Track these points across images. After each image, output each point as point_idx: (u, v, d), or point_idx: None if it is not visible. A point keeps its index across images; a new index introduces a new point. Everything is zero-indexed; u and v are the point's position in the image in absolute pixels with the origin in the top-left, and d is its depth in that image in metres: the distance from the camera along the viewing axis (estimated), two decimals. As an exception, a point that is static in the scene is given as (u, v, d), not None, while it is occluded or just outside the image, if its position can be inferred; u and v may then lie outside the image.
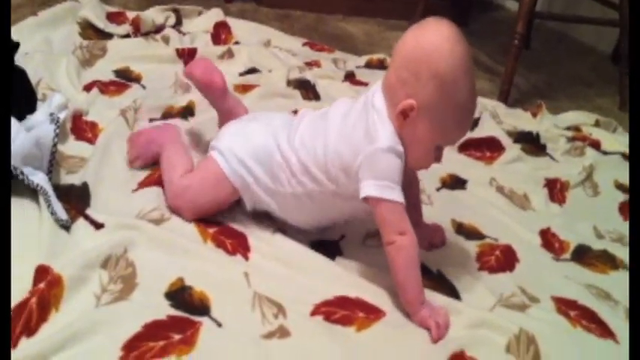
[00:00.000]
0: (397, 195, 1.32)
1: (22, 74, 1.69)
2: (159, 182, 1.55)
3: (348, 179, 1.36)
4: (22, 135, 1.48)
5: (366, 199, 1.34)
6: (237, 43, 2.47)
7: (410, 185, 1.45)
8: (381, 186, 1.32)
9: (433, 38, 1.29)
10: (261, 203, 1.50)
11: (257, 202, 1.50)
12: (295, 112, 1.80)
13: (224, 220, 1.51)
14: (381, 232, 1.36)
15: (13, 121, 1.51)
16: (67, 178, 1.51)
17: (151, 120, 1.82)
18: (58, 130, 1.50)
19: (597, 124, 2.39)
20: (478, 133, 2.12)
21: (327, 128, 1.40)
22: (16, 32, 2.07)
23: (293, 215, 1.50)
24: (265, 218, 1.53)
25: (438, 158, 1.40)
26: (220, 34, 2.50)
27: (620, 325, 1.45)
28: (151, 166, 1.61)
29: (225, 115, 1.65)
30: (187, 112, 1.91)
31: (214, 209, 1.50)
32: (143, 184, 1.56)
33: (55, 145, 1.48)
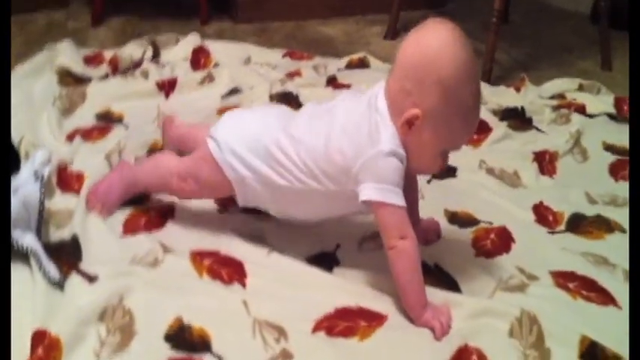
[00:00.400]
0: (399, 199, 1.32)
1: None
2: (147, 227, 1.57)
3: (347, 180, 1.36)
4: (8, 198, 1.49)
5: (366, 203, 1.34)
6: (217, 65, 2.48)
7: (409, 186, 1.44)
8: (382, 189, 1.32)
9: (434, 43, 1.28)
10: (255, 199, 1.51)
11: (251, 197, 1.50)
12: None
13: (220, 246, 1.52)
14: (382, 237, 1.36)
15: (-2, 186, 1.53)
16: (57, 234, 1.51)
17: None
18: (43, 189, 1.50)
19: (581, 88, 2.40)
20: (464, 118, 2.12)
21: (331, 126, 1.38)
22: (-5, 92, 2.08)
23: (289, 210, 1.51)
24: (260, 239, 1.54)
25: (443, 163, 1.40)
26: (199, 59, 2.50)
27: (620, 289, 1.46)
28: (128, 206, 1.63)
29: None
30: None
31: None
32: (131, 230, 1.57)
33: (42, 203, 1.48)
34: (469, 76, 1.30)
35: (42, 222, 1.48)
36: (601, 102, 2.29)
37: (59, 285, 1.35)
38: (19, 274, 1.38)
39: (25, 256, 1.40)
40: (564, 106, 2.27)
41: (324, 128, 1.39)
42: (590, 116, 2.23)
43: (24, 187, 1.51)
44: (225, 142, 1.46)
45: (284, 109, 1.55)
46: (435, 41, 1.28)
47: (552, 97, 2.36)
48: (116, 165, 1.71)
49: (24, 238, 1.41)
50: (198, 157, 1.52)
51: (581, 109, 2.26)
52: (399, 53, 1.33)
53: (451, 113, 1.30)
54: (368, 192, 1.32)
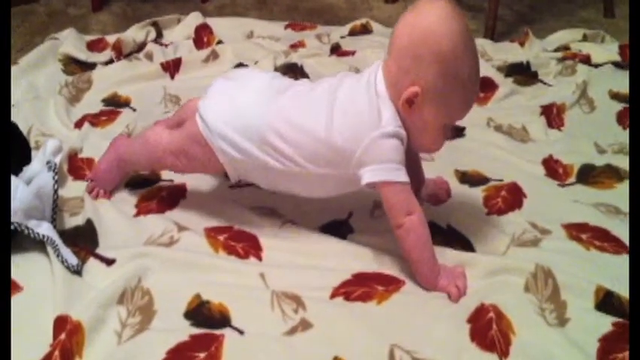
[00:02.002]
0: (401, 176, 1.33)
1: (13, 128, 1.72)
2: (160, 208, 1.59)
3: (348, 163, 1.36)
4: (22, 188, 1.50)
5: (369, 185, 1.34)
6: (220, 42, 2.47)
7: (412, 162, 1.45)
8: (385, 169, 1.33)
9: (429, 19, 1.28)
10: (248, 177, 1.50)
11: (243, 176, 1.50)
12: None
13: (232, 223, 1.53)
14: (388, 216, 1.37)
15: (12, 177, 1.54)
16: (71, 221, 1.53)
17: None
18: (56, 177, 1.51)
19: (585, 38, 2.40)
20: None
21: (330, 108, 1.37)
22: (1, 85, 2.09)
23: (285, 189, 1.49)
24: (272, 212, 1.56)
25: (446, 137, 1.41)
26: (202, 37, 2.50)
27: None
28: (140, 188, 1.65)
29: None
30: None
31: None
32: (144, 211, 1.58)
33: (55, 192, 1.50)
34: (466, 48, 1.30)
35: (57, 210, 1.50)
36: (606, 50, 2.29)
37: (77, 271, 1.37)
38: (37, 263, 1.40)
39: (41, 245, 1.42)
40: (569, 58, 2.27)
41: (324, 110, 1.37)
42: (596, 66, 2.23)
43: (37, 177, 1.53)
44: (214, 125, 1.42)
45: (276, 81, 1.47)
46: (429, 18, 1.28)
47: (557, 50, 2.35)
48: (111, 142, 1.67)
49: (40, 227, 1.43)
50: (187, 135, 1.47)
51: (586, 60, 2.26)
52: (395, 34, 1.33)
53: (450, 87, 1.31)
54: (371, 174, 1.33)
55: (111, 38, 2.46)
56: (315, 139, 1.36)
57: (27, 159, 1.66)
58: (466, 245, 1.48)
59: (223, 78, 1.52)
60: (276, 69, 2.24)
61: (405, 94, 1.31)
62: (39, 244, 1.42)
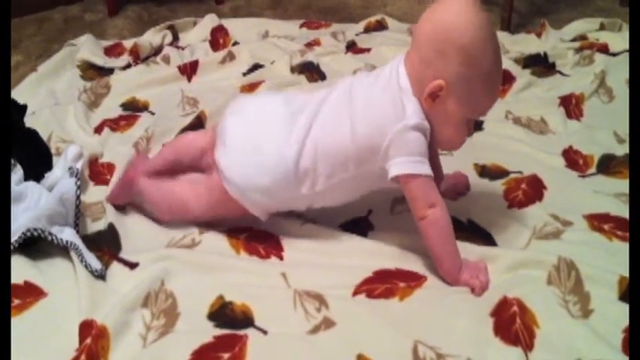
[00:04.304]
0: (426, 168, 1.34)
1: (33, 135, 1.73)
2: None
3: (375, 158, 1.36)
4: (45, 195, 1.52)
5: (395, 178, 1.35)
6: (236, 43, 2.49)
7: (433, 157, 1.44)
8: (410, 161, 1.33)
9: (452, 13, 1.29)
10: (278, 209, 1.51)
11: (273, 211, 1.50)
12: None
13: (253, 224, 1.53)
14: (411, 209, 1.37)
15: (34, 184, 1.55)
16: (94, 226, 1.54)
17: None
18: (79, 183, 1.52)
19: (602, 27, 2.39)
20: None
21: (353, 110, 1.37)
22: (20, 93, 2.11)
23: (319, 204, 1.50)
24: (292, 211, 1.55)
25: (469, 132, 1.41)
26: (218, 38, 2.52)
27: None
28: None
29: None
30: (197, 128, 1.92)
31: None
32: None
33: (78, 197, 1.50)
34: (488, 40, 1.31)
35: (79, 216, 1.51)
36: (623, 39, 2.27)
37: (101, 275, 1.38)
38: (61, 269, 1.41)
39: (65, 251, 1.43)
40: (587, 47, 2.26)
41: (344, 114, 1.38)
42: (614, 55, 2.22)
43: (60, 183, 1.54)
44: (244, 183, 1.42)
45: (290, 106, 1.44)
46: (451, 11, 1.29)
47: (574, 40, 2.35)
48: (130, 163, 1.66)
49: (63, 233, 1.44)
50: (215, 201, 1.47)
51: (604, 49, 2.25)
52: (418, 29, 1.34)
53: (474, 79, 1.31)
54: (397, 167, 1.33)
55: (128, 43, 2.49)
56: (343, 147, 1.37)
57: (48, 166, 1.68)
58: (487, 239, 1.48)
59: (233, 115, 1.49)
60: (292, 68, 2.26)
61: (428, 88, 1.31)
62: (62, 250, 1.43)
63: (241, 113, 1.49)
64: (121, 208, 1.59)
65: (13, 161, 1.58)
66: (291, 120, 1.41)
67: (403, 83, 1.35)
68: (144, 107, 2.10)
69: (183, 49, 2.46)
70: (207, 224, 1.52)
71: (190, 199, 1.50)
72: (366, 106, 1.37)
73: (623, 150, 1.74)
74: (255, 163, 1.41)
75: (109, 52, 2.45)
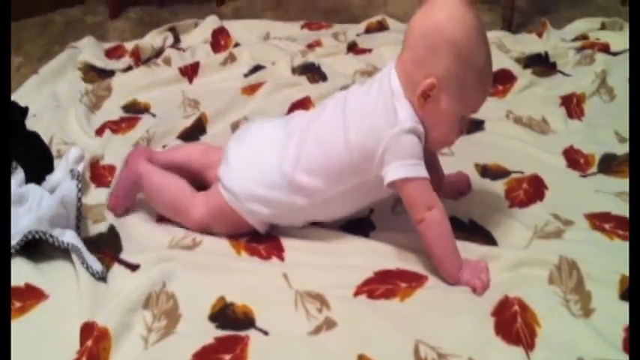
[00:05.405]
0: (421, 171, 1.34)
1: (35, 137, 1.73)
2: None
3: (370, 166, 1.37)
4: (46, 197, 1.52)
5: (391, 184, 1.35)
6: (237, 44, 2.49)
7: (429, 158, 1.45)
8: (405, 165, 1.33)
9: (442, 12, 1.30)
10: (278, 222, 1.52)
11: (273, 222, 1.51)
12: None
13: (254, 225, 1.53)
14: (409, 212, 1.38)
15: (35, 187, 1.55)
16: (95, 228, 1.54)
17: (164, 147, 1.84)
18: (80, 185, 1.52)
19: (603, 26, 2.39)
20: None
21: (345, 119, 1.39)
22: (22, 95, 2.11)
23: (316, 218, 1.52)
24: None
25: (462, 129, 1.42)
26: (219, 40, 2.52)
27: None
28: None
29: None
30: (198, 130, 1.93)
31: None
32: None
33: (79, 200, 1.50)
34: (478, 36, 1.31)
35: (80, 218, 1.51)
36: (624, 38, 2.26)
37: (102, 277, 1.38)
38: (62, 271, 1.41)
39: (66, 253, 1.43)
40: (588, 47, 2.26)
41: (338, 123, 1.39)
42: (615, 54, 2.21)
43: (61, 185, 1.54)
44: (240, 189, 1.46)
45: (287, 127, 1.49)
46: (442, 10, 1.30)
47: (575, 39, 2.35)
48: (127, 160, 1.63)
49: (64, 235, 1.44)
50: (213, 207, 1.49)
51: (605, 48, 2.24)
52: (409, 28, 1.35)
53: (465, 76, 1.32)
54: (393, 172, 1.34)
55: (129, 45, 2.48)
56: (338, 157, 1.39)
57: (50, 168, 1.68)
58: (488, 239, 1.48)
59: (236, 141, 1.54)
60: (294, 70, 2.26)
61: (420, 87, 1.32)
62: (64, 252, 1.43)
63: (243, 139, 1.54)
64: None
65: (14, 164, 1.58)
66: (287, 137, 1.46)
67: (395, 86, 1.35)
68: (145, 109, 2.10)
69: (184, 50, 2.46)
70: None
71: (190, 197, 1.52)
72: (360, 116, 1.38)
73: (624, 149, 1.73)
74: (252, 174, 1.46)
75: (110, 54, 2.45)
